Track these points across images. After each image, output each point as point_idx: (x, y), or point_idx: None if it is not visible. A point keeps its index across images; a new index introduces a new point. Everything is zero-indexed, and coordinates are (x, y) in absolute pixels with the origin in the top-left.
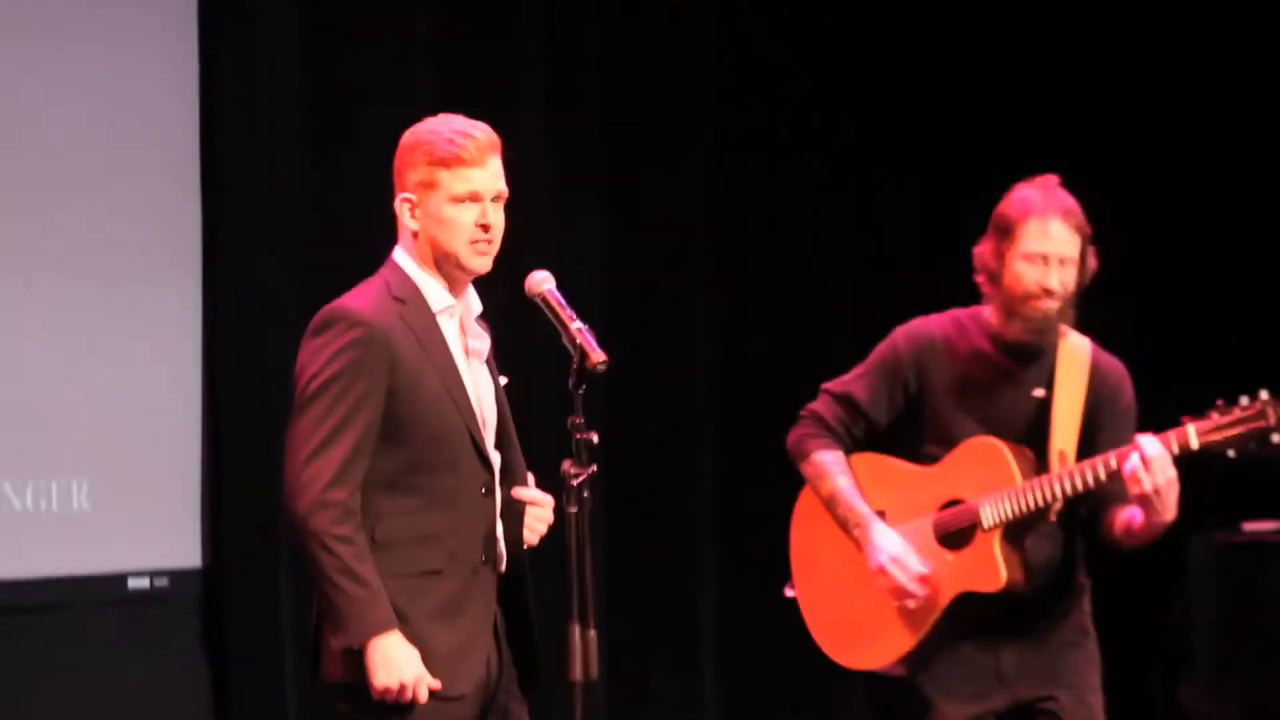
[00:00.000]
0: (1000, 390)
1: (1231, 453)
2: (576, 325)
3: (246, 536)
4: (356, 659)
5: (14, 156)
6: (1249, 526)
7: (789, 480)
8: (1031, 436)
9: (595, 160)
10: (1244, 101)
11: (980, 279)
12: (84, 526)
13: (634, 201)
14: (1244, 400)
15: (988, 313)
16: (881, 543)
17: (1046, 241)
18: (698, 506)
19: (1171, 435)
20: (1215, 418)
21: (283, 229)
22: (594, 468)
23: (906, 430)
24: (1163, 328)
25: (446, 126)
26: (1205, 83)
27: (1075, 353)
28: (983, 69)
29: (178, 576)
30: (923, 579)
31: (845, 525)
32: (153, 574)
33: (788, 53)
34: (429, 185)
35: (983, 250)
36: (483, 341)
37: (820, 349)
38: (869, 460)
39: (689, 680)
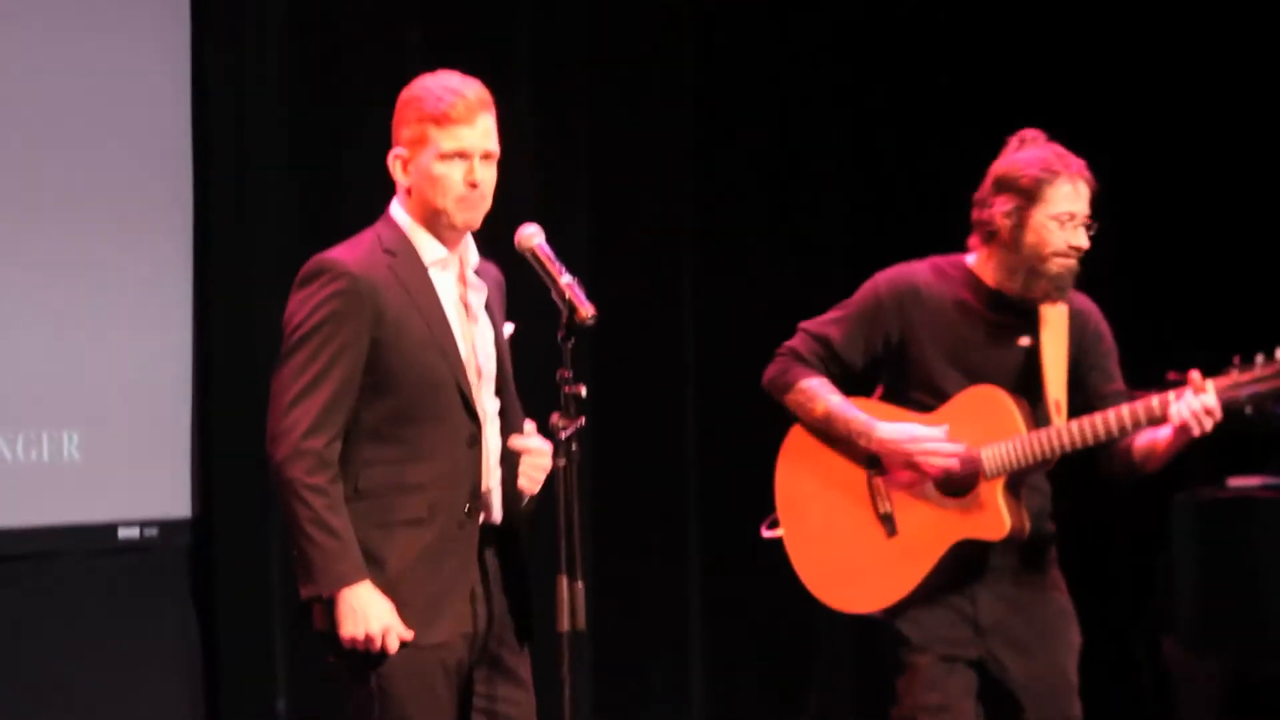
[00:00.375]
0: (985, 340)
1: (1250, 409)
2: (565, 279)
3: (236, 487)
4: (328, 609)
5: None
6: (1234, 482)
7: (771, 431)
8: (1018, 386)
9: (584, 162)
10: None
11: (978, 236)
12: (74, 477)
13: (622, 201)
14: (1260, 358)
15: (972, 262)
16: (897, 435)
17: (1078, 201)
18: (682, 463)
19: (1189, 389)
20: (1234, 375)
21: (273, 184)
22: (582, 421)
23: (888, 376)
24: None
25: (439, 84)
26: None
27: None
28: (976, 72)
29: (167, 526)
30: (951, 442)
31: (849, 437)
32: (142, 524)
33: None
34: (419, 141)
35: (995, 211)
36: (481, 292)
37: (808, 288)
38: (864, 405)
39: (676, 637)
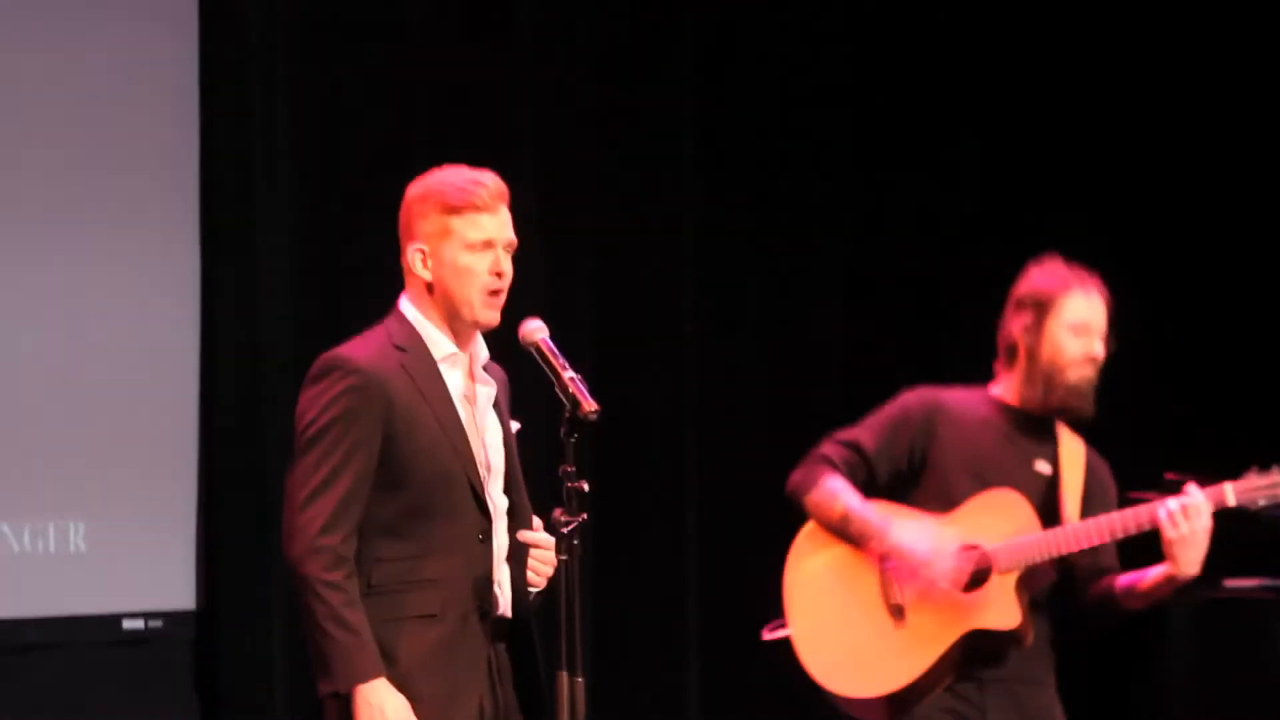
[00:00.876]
0: (1007, 461)
1: (1262, 507)
2: (569, 374)
3: (240, 579)
4: (344, 705)
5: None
6: (1230, 583)
7: (776, 527)
8: (1036, 510)
9: (589, 211)
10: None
11: (1001, 360)
12: (80, 567)
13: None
14: (1277, 468)
15: (998, 390)
16: (911, 540)
17: (1091, 311)
18: (684, 559)
19: (1208, 492)
20: (1253, 479)
21: (281, 262)
22: (584, 516)
23: (904, 492)
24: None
25: (457, 175)
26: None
27: (1070, 436)
28: (977, 89)
29: (172, 618)
30: (957, 565)
31: (863, 540)
32: (147, 615)
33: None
34: (443, 234)
35: (1013, 327)
36: (490, 387)
37: (807, 397)
38: (883, 508)
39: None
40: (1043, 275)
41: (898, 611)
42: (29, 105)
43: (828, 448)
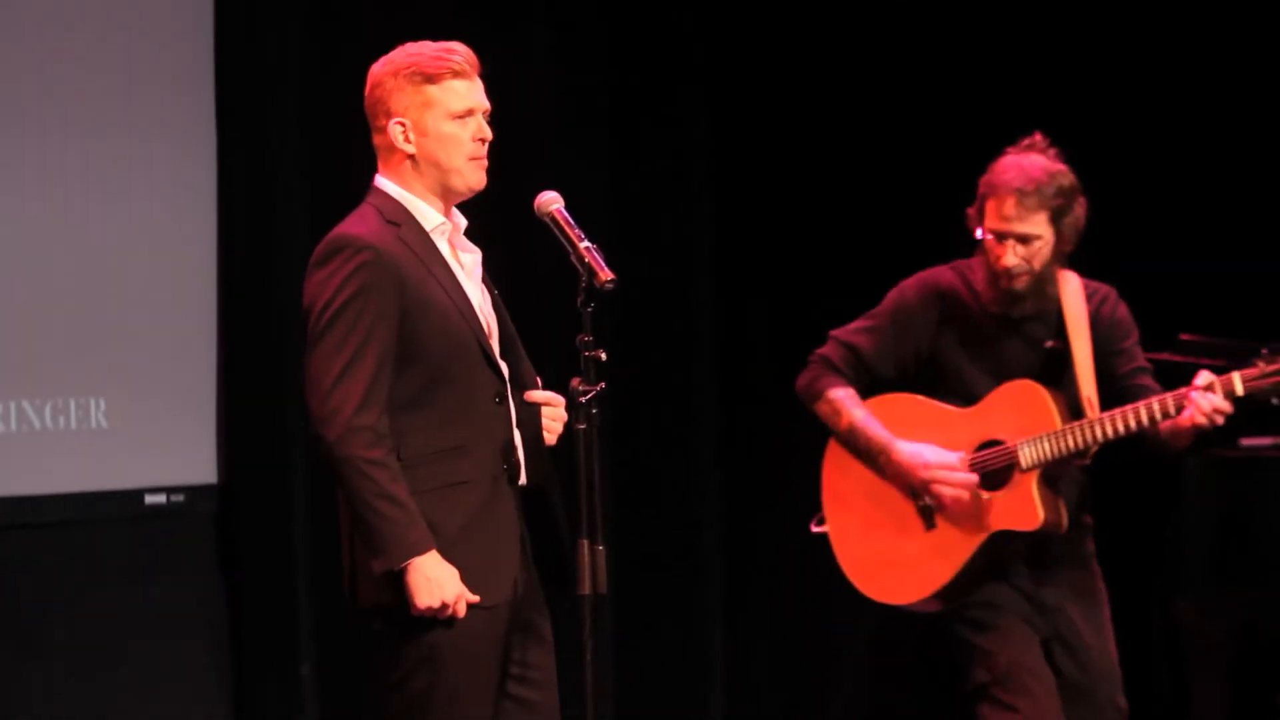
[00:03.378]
0: (1009, 343)
1: (1276, 399)
2: (585, 244)
3: (261, 452)
4: (397, 580)
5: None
6: (1246, 442)
7: (793, 413)
8: (1047, 385)
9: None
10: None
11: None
12: (101, 444)
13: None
14: None
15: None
16: (909, 456)
17: (1004, 222)
18: (702, 427)
19: (1217, 381)
20: (1261, 366)
21: (296, 173)
22: (602, 385)
23: (919, 380)
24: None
25: (427, 47)
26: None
27: (1073, 300)
28: (987, 91)
29: (193, 492)
30: (965, 472)
31: (868, 455)
32: (169, 490)
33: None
34: (425, 104)
35: (970, 213)
36: (474, 254)
37: (828, 279)
38: (903, 400)
39: (695, 600)
40: (990, 169)
41: (927, 515)
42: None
43: (830, 349)
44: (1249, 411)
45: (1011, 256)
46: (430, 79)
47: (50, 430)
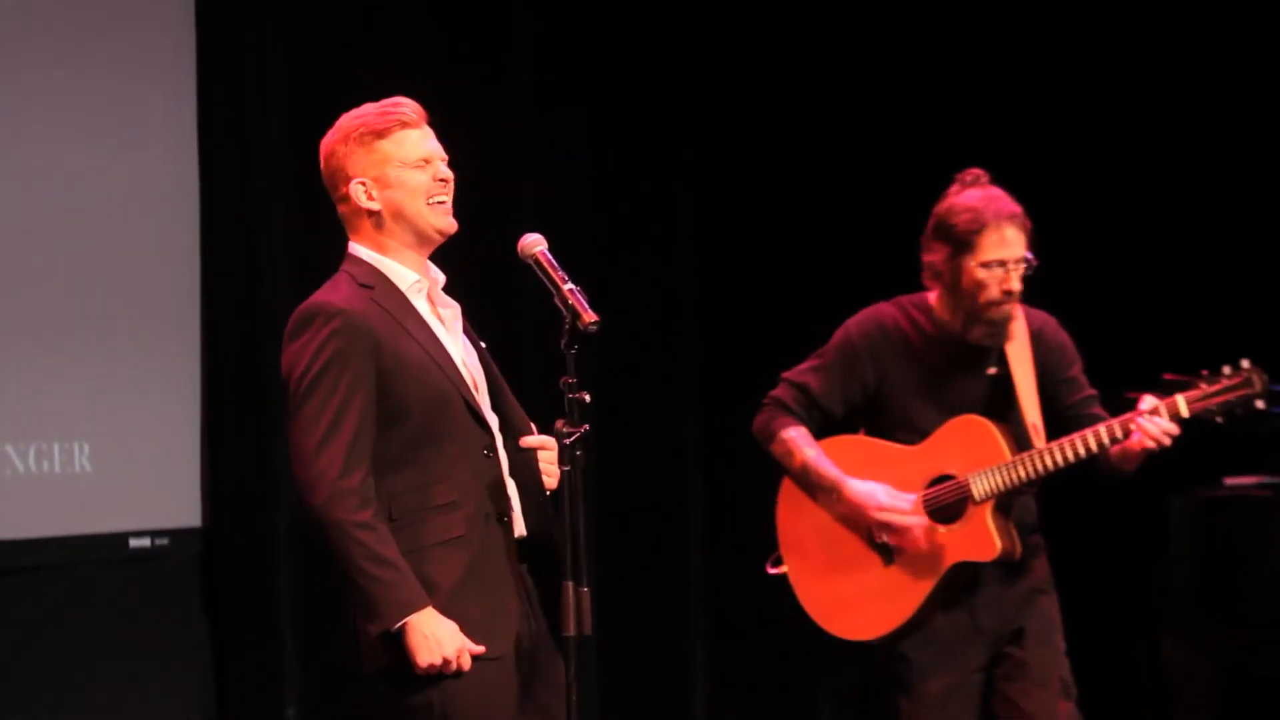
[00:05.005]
0: (955, 375)
1: (1219, 419)
2: (569, 286)
3: (245, 496)
4: (395, 642)
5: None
6: (1230, 481)
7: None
8: (992, 413)
9: (583, 168)
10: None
11: (928, 278)
12: (85, 487)
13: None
14: (1227, 369)
15: (934, 300)
16: (862, 496)
17: (1005, 248)
18: (685, 470)
19: (1162, 405)
20: (1203, 387)
21: (276, 196)
22: (586, 427)
23: (867, 417)
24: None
25: (371, 107)
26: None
27: (1015, 327)
28: (965, 108)
29: (178, 536)
30: (915, 509)
31: (819, 491)
32: (153, 533)
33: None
34: (381, 160)
35: (934, 259)
36: (453, 309)
37: (804, 318)
38: (853, 442)
39: (678, 639)
40: (960, 206)
41: (884, 551)
42: None
43: (781, 390)
44: (1232, 451)
45: (1017, 280)
46: (380, 134)
47: (34, 474)
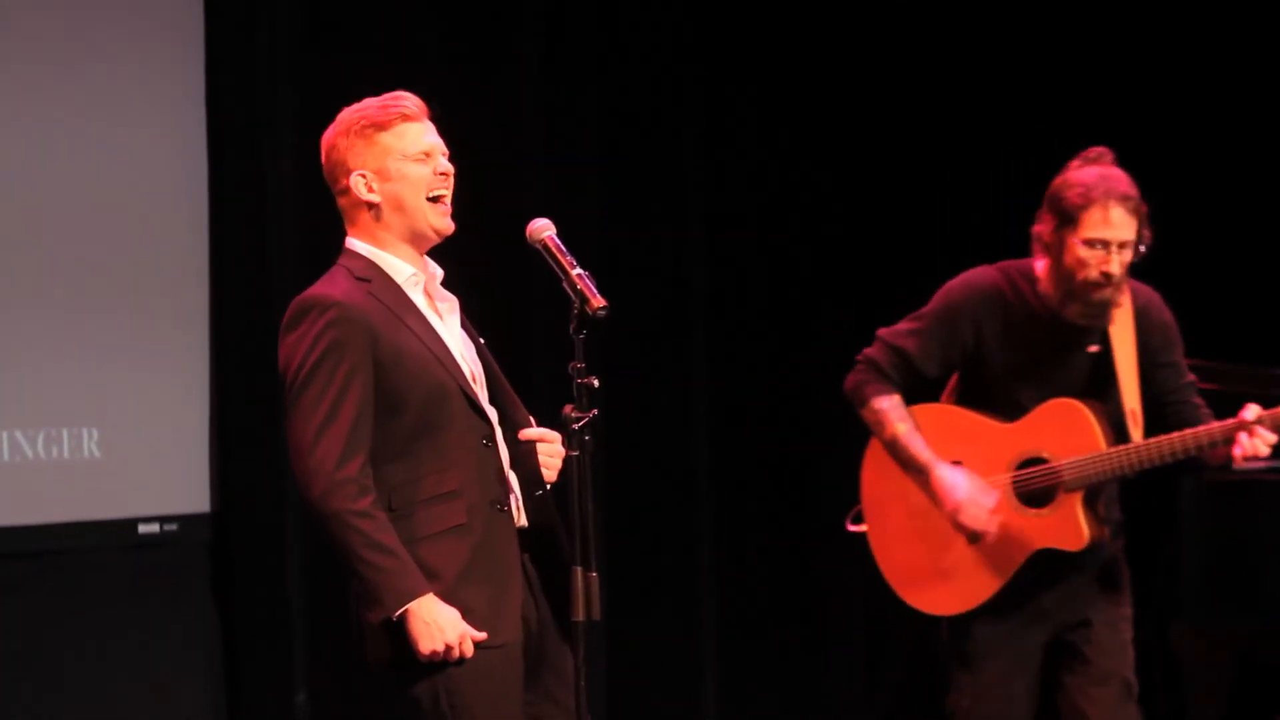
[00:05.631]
0: (1055, 349)
1: None
2: (577, 271)
3: (255, 482)
4: (397, 630)
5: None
6: (1240, 465)
7: (784, 424)
8: (1090, 393)
9: (594, 156)
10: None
11: (1038, 248)
12: (94, 473)
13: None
14: None
15: (1041, 270)
16: (950, 485)
17: (1109, 229)
18: (694, 449)
19: (1266, 415)
20: None
21: (286, 195)
22: (595, 412)
23: (962, 380)
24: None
25: (372, 101)
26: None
27: (1118, 309)
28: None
29: (187, 521)
30: (995, 512)
31: (908, 470)
32: (162, 519)
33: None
34: (382, 152)
35: (1042, 229)
36: (450, 302)
37: (815, 304)
38: (945, 412)
39: (687, 623)
40: (1073, 180)
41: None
42: None
43: (877, 351)
44: None
45: (1116, 264)
46: (381, 127)
47: (44, 460)
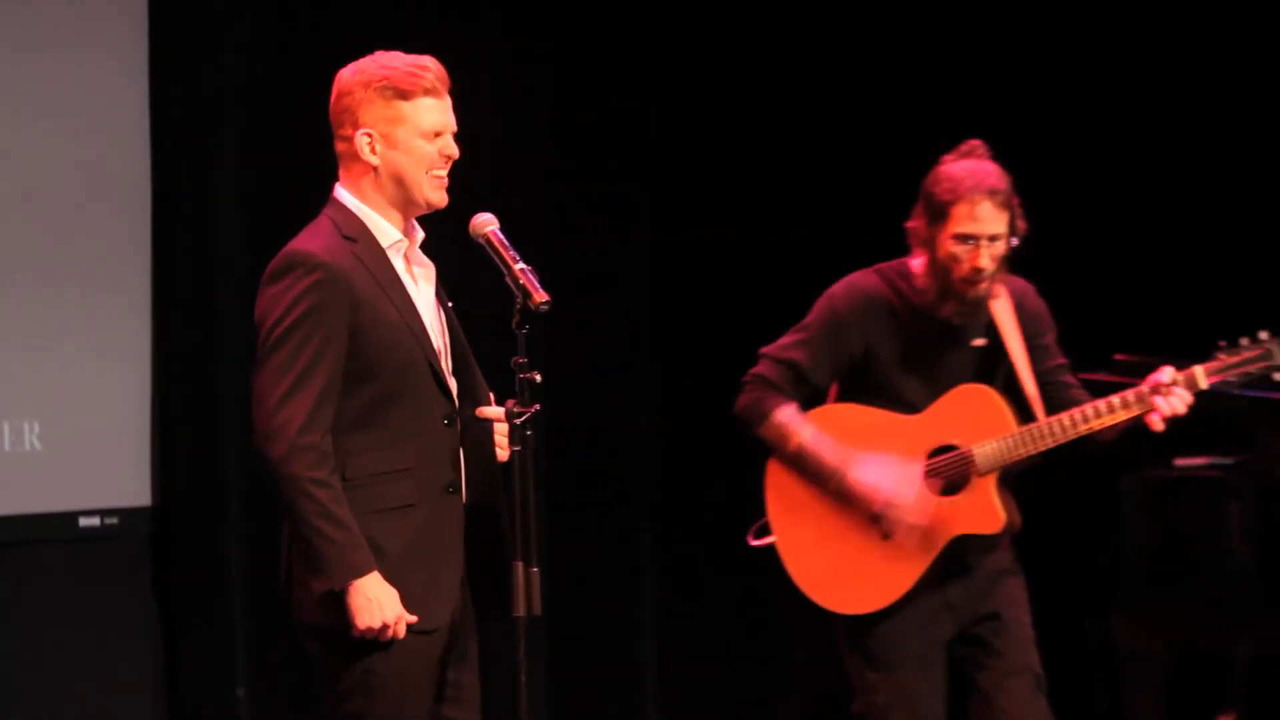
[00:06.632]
0: (942, 346)
1: (1238, 391)
2: (520, 266)
3: (196, 475)
4: (338, 601)
5: None
6: (1180, 462)
7: (727, 431)
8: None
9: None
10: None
11: (915, 245)
12: (35, 466)
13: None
14: (1245, 341)
15: (917, 267)
16: (873, 482)
17: (977, 223)
18: (638, 444)
19: (1180, 375)
20: (1222, 359)
21: (231, 177)
22: (537, 407)
23: (847, 383)
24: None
25: (402, 61)
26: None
27: (997, 302)
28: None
29: (128, 515)
30: (921, 503)
31: (819, 478)
32: (103, 512)
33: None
34: (395, 119)
35: (915, 225)
36: (428, 269)
37: (761, 297)
38: (848, 410)
39: (627, 617)
40: (944, 175)
41: (881, 521)
42: None
43: (766, 368)
44: (1182, 432)
45: (986, 258)
46: (403, 95)
47: None
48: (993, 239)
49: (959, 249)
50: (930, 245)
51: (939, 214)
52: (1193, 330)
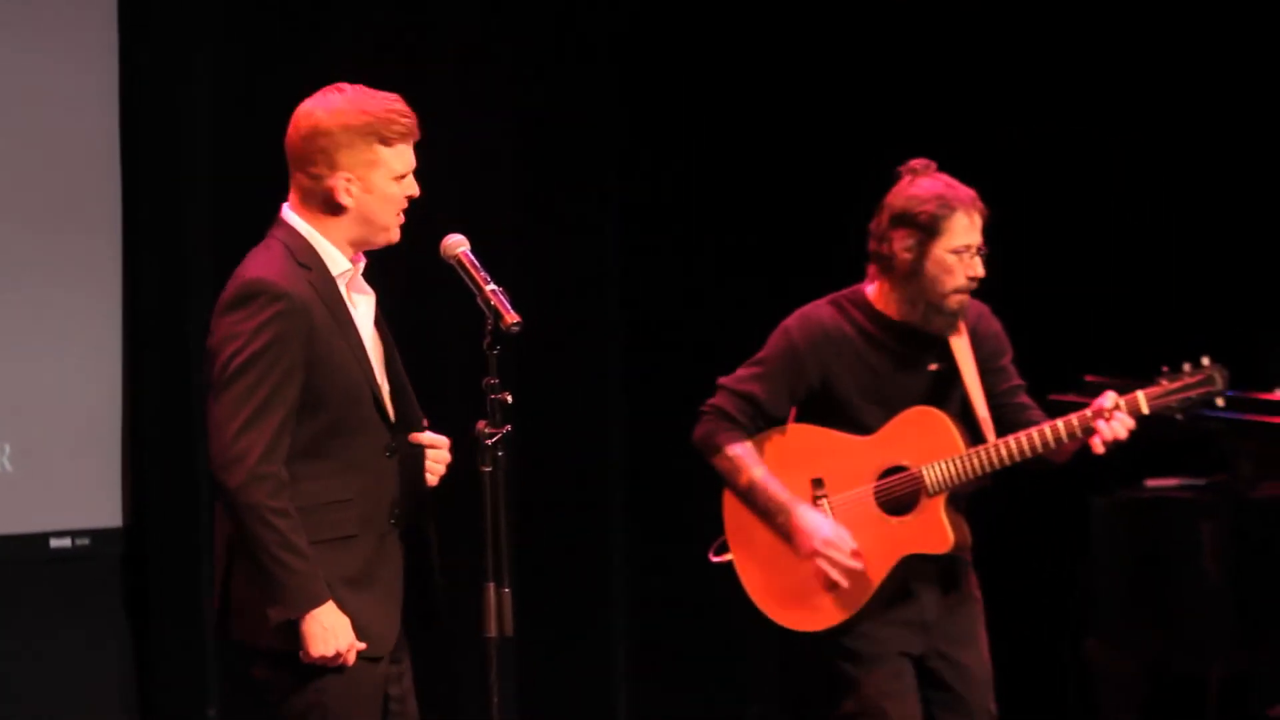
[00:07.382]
0: (896, 370)
1: (1180, 416)
2: (491, 287)
3: (167, 496)
4: (291, 628)
5: None
6: (1152, 483)
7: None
8: (934, 406)
9: (509, 170)
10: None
11: (875, 268)
12: (5, 487)
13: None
14: (1188, 366)
15: (874, 294)
16: (810, 527)
17: (973, 234)
18: (607, 462)
19: (1122, 400)
20: (1164, 384)
21: (203, 199)
22: (508, 428)
23: (805, 415)
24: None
25: (379, 105)
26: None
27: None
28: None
29: (99, 536)
30: (856, 554)
31: (767, 515)
32: (74, 534)
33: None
34: (373, 164)
35: (895, 245)
36: (370, 296)
37: (730, 314)
38: (802, 431)
39: (601, 643)
40: (923, 192)
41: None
42: None
43: (723, 399)
44: (1153, 453)
45: (979, 267)
46: (385, 141)
47: None
48: (980, 249)
49: (956, 262)
50: (918, 263)
51: (931, 230)
52: (1172, 341)
